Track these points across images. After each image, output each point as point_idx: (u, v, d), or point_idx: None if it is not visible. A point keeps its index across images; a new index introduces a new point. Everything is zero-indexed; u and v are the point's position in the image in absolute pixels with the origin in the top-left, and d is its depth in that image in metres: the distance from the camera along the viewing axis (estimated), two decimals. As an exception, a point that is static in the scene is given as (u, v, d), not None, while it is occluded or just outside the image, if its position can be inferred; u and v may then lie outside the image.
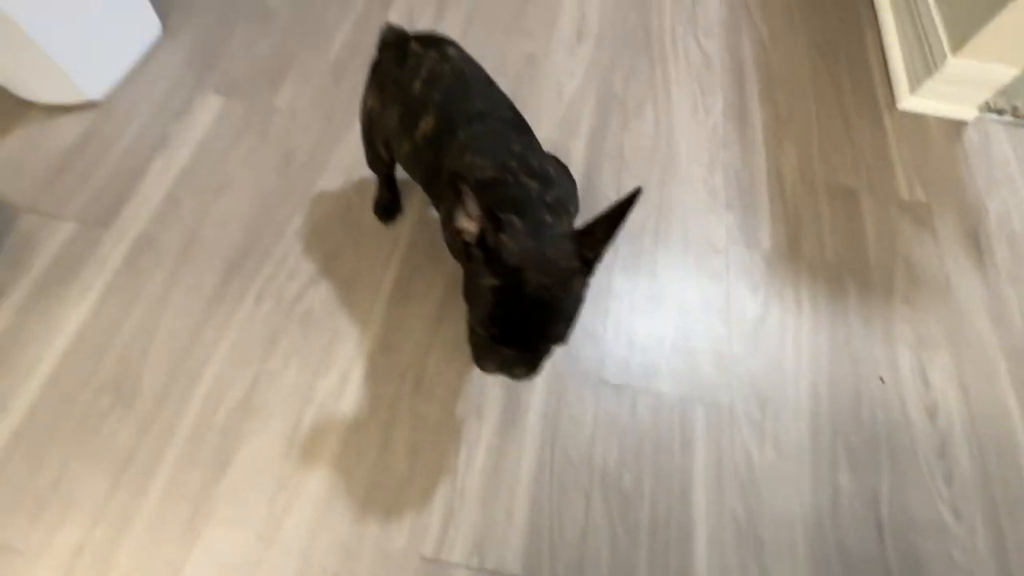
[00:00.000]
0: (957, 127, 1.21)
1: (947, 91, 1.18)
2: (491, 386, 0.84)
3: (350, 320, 0.88)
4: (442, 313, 0.90)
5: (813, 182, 1.10)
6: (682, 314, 0.93)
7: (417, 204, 1.00)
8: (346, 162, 1.04)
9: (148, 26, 1.16)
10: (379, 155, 0.83)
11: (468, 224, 0.53)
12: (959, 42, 1.12)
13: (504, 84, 1.19)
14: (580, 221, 0.59)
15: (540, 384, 0.85)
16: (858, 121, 1.20)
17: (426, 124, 0.67)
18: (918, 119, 1.21)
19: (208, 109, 1.09)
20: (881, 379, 0.90)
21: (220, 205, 0.97)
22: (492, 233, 0.52)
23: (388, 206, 0.97)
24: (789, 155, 1.13)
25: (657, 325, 0.92)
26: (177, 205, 0.97)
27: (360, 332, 0.87)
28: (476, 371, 0.85)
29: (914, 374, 0.91)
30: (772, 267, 0.99)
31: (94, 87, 1.07)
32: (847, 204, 1.08)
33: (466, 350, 0.85)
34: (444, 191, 0.66)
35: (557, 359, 0.87)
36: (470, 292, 0.57)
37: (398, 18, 1.26)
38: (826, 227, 1.04)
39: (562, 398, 0.84)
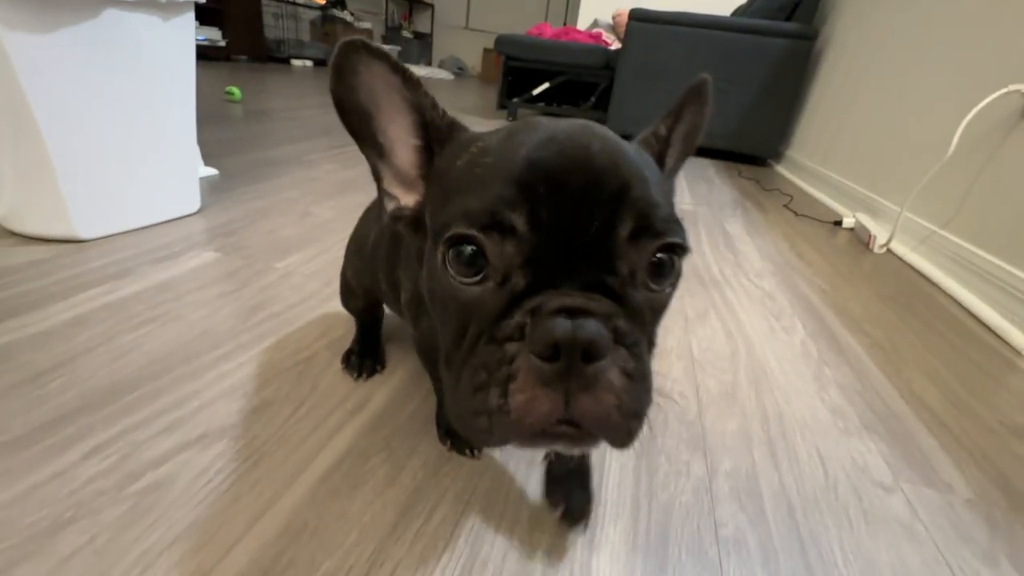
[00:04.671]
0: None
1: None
2: None
3: (228, 513, 0.46)
4: (409, 514, 0.47)
5: (979, 418, 0.76)
6: (874, 588, 0.47)
7: (404, 371, 0.70)
8: (331, 317, 0.80)
9: (187, 202, 1.14)
10: (351, 288, 0.68)
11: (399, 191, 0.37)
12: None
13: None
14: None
15: None
16: (988, 362, 0.94)
17: None
18: (1065, 371, 0.95)
19: (196, 259, 0.93)
20: None
21: (136, 336, 0.69)
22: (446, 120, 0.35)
23: (362, 355, 0.68)
24: (920, 384, 0.83)
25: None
26: (79, 328, 0.69)
27: (237, 537, 0.44)
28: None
29: None
30: (999, 528, 0.56)
31: (89, 228, 0.96)
32: (1052, 450, 0.71)
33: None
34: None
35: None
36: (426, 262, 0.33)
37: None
38: (1045, 476, 0.65)
39: None
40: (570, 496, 0.48)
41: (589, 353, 0.25)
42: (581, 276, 0.27)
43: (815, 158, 2.39)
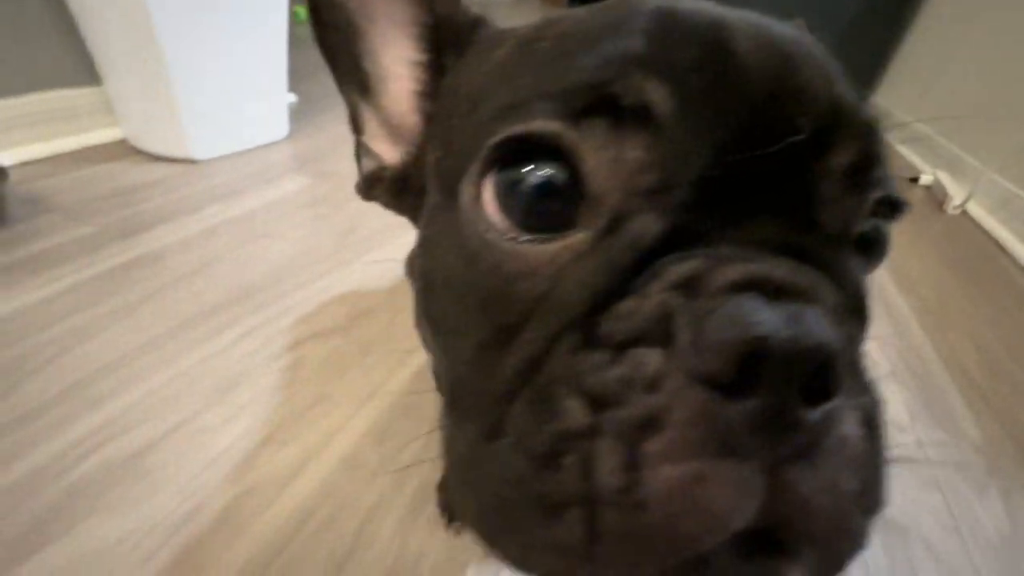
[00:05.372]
0: None
1: None
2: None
3: (350, 388, 0.59)
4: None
5: (1017, 386, 0.80)
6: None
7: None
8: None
9: (278, 128, 1.25)
10: None
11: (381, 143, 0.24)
12: None
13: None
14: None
15: None
16: (1040, 330, 0.95)
17: None
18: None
19: (292, 183, 1.05)
20: None
21: (256, 247, 0.83)
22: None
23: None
24: (964, 349, 0.87)
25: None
26: (211, 238, 0.83)
27: (357, 405, 0.57)
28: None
29: None
30: (1000, 469, 0.63)
31: (202, 151, 1.09)
32: (1080, 415, 0.75)
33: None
34: None
35: None
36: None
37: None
38: (1064, 436, 0.70)
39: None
40: None
41: (818, 380, 0.12)
42: (759, 226, 0.14)
43: (902, 106, 2.22)
